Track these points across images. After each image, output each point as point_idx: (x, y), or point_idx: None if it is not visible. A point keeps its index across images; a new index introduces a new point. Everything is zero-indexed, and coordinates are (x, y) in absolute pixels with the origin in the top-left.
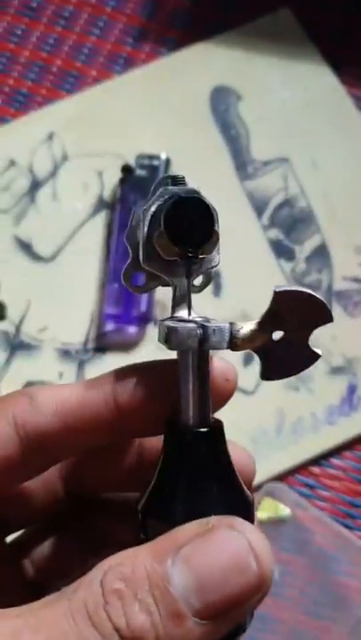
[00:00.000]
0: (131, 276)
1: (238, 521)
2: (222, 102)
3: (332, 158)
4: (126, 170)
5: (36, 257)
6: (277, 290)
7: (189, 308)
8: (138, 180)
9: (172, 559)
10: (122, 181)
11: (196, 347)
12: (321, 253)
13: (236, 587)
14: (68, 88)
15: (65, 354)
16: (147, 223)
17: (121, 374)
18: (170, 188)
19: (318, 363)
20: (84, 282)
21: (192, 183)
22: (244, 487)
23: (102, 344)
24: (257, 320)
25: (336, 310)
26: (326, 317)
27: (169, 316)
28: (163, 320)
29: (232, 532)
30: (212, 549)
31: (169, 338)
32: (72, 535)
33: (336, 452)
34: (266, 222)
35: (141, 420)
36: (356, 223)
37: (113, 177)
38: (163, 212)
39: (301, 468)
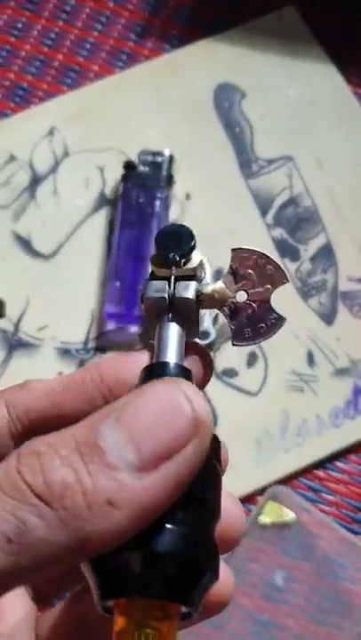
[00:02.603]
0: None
1: (174, 378)
2: (226, 99)
3: (337, 157)
4: (128, 166)
5: (35, 253)
6: (234, 248)
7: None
8: (140, 177)
9: (105, 423)
10: (124, 178)
11: (167, 297)
12: (326, 253)
13: (170, 430)
14: (69, 83)
15: (65, 353)
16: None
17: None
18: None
19: (323, 364)
20: (85, 279)
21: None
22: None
23: (103, 343)
24: (221, 280)
25: (341, 311)
26: (282, 278)
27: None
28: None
29: (165, 383)
30: (143, 400)
31: (145, 291)
32: None
33: (341, 455)
34: (270, 221)
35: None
36: None
37: (115, 173)
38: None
39: (306, 471)
